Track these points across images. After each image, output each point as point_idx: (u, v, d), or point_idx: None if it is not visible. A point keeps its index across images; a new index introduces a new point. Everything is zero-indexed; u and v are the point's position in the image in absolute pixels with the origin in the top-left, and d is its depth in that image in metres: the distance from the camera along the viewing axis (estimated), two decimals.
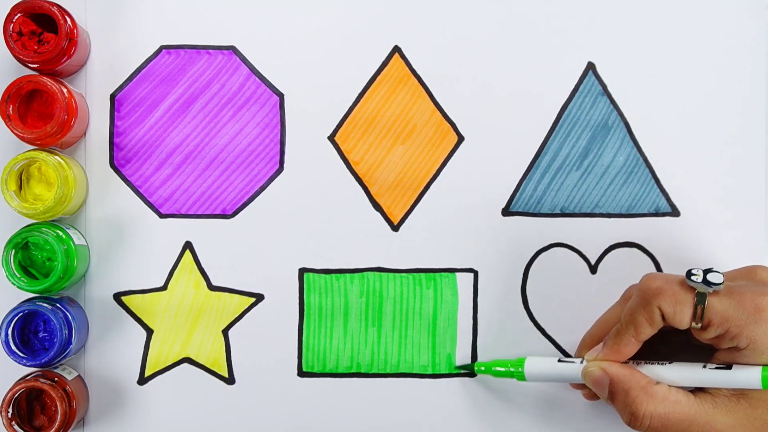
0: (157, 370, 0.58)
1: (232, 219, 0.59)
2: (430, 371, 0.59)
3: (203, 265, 0.59)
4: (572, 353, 0.59)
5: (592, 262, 0.59)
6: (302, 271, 0.59)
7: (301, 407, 0.58)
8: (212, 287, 0.59)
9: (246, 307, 0.59)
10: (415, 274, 0.59)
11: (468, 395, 0.59)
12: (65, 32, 0.54)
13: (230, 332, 0.59)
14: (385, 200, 0.59)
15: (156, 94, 0.59)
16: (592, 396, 0.56)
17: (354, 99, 0.59)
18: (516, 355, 0.58)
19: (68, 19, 0.55)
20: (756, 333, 0.49)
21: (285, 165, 0.59)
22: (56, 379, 0.55)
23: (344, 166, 0.59)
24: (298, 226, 0.59)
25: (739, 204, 0.59)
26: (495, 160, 0.59)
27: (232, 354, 0.59)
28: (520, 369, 0.55)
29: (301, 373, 0.59)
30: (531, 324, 0.59)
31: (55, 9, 0.55)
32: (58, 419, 0.54)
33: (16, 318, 0.55)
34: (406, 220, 0.59)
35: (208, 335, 0.59)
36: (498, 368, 0.56)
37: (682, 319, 0.50)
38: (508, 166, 0.59)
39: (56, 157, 0.55)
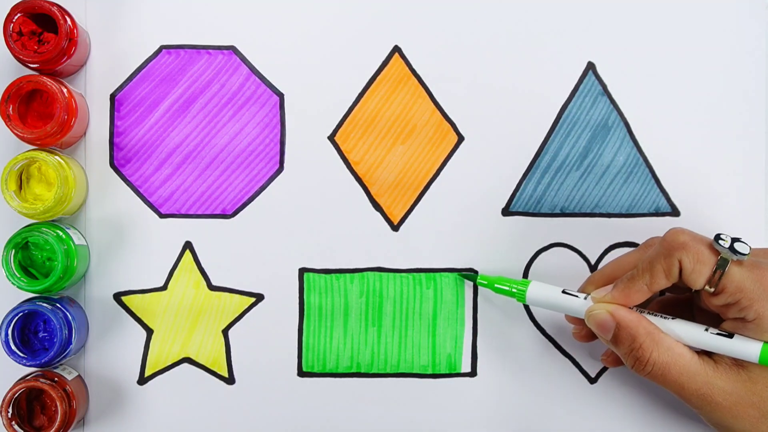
0: (157, 370, 0.58)
1: (232, 219, 0.59)
2: (430, 371, 0.59)
3: (203, 265, 0.59)
4: (573, 354, 0.59)
5: (592, 262, 0.59)
6: (302, 271, 0.59)
7: (301, 407, 0.58)
8: (212, 287, 0.59)
9: (246, 307, 0.59)
10: (415, 274, 0.59)
11: (468, 395, 0.59)
12: (65, 32, 0.55)
13: (230, 332, 0.59)
14: (385, 200, 0.59)
15: (156, 94, 0.59)
16: (584, 337, 0.56)
17: (354, 99, 0.59)
18: (518, 356, 0.58)
19: (68, 19, 0.55)
20: (766, 309, 0.48)
21: (285, 165, 0.59)
22: (56, 379, 0.55)
23: (344, 166, 0.59)
24: (298, 226, 0.59)
25: (739, 204, 0.59)
26: (495, 160, 0.59)
27: (232, 354, 0.59)
28: (522, 291, 0.55)
29: (301, 373, 0.59)
30: (531, 324, 0.59)
31: (55, 9, 0.55)
32: (58, 419, 0.54)
33: (16, 318, 0.55)
34: (406, 220, 0.59)
35: (208, 335, 0.59)
36: (500, 285, 0.56)
37: (698, 278, 0.49)
38: (508, 166, 0.59)
39: (56, 157, 0.55)
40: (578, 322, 0.56)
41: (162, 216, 0.59)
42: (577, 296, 0.53)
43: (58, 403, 0.54)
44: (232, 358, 0.59)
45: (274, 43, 0.59)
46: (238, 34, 0.59)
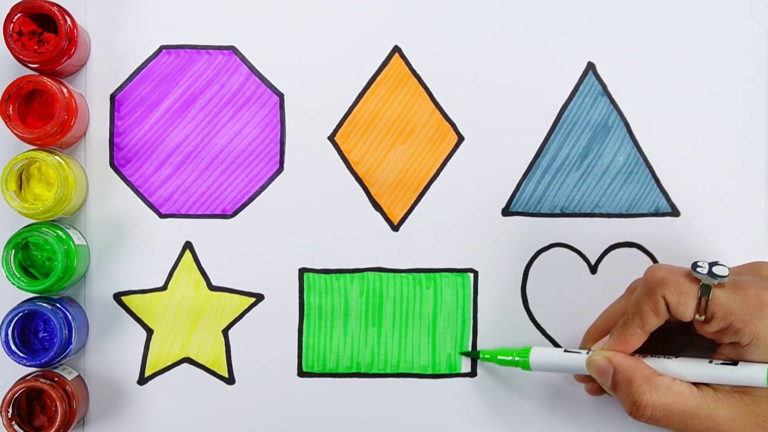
0: (157, 370, 0.58)
1: (232, 219, 0.59)
2: (430, 371, 0.59)
3: (203, 265, 0.59)
4: None
5: (592, 262, 0.59)
6: (302, 271, 0.59)
7: (301, 407, 0.58)
8: (212, 287, 0.59)
9: (246, 307, 0.59)
10: (415, 274, 0.59)
11: (468, 395, 0.59)
12: (65, 32, 0.54)
13: (230, 332, 0.59)
14: (385, 200, 0.59)
15: (156, 94, 0.59)
16: (597, 390, 0.56)
17: (354, 99, 0.59)
18: None
19: (68, 19, 0.55)
20: (759, 329, 0.49)
21: (285, 165, 0.59)
22: (56, 379, 0.55)
23: (344, 166, 0.59)
24: (298, 226, 0.59)
25: (739, 204, 0.59)
26: (495, 160, 0.59)
27: (232, 354, 0.59)
28: (525, 358, 0.55)
29: (301, 373, 0.59)
30: (531, 324, 0.59)
31: (55, 9, 0.55)
32: (58, 419, 0.54)
33: (16, 318, 0.55)
34: (406, 220, 0.59)
35: (208, 335, 0.59)
36: (503, 357, 0.56)
37: (686, 310, 0.50)
38: (508, 166, 0.59)
39: (56, 157, 0.55)
40: (586, 379, 0.56)
41: (162, 216, 0.59)
42: (579, 353, 0.54)
43: (58, 403, 0.54)
44: (232, 358, 0.59)
45: (274, 43, 0.59)
46: (238, 34, 0.59)
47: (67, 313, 0.55)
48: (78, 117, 0.56)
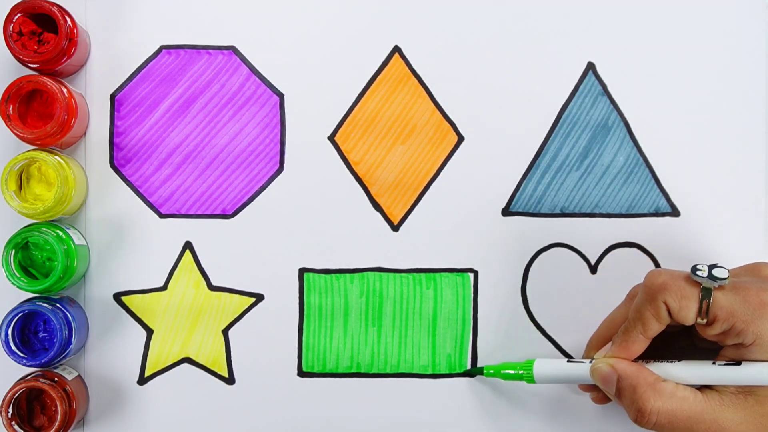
0: (157, 370, 0.58)
1: (232, 219, 0.59)
2: (430, 371, 0.59)
3: (203, 265, 0.59)
4: (573, 353, 0.59)
5: (592, 262, 0.59)
6: (302, 271, 0.59)
7: (301, 407, 0.58)
8: (212, 287, 0.59)
9: (246, 307, 0.59)
10: (415, 274, 0.59)
11: (468, 395, 0.59)
12: (65, 32, 0.54)
13: (230, 332, 0.59)
14: (385, 200, 0.59)
15: (156, 94, 0.59)
16: (601, 399, 0.56)
17: (354, 99, 0.59)
18: (518, 356, 0.58)
19: (68, 19, 0.55)
20: (762, 328, 0.48)
21: (285, 165, 0.59)
22: (56, 379, 0.55)
23: (344, 166, 0.59)
24: (298, 226, 0.59)
25: (739, 204, 0.59)
26: (495, 160, 0.59)
27: (232, 354, 0.59)
28: (529, 372, 0.55)
29: (301, 373, 0.59)
30: (531, 324, 0.59)
31: (55, 9, 0.55)
32: (58, 419, 0.54)
33: (16, 318, 0.55)
34: (406, 220, 0.59)
35: (208, 335, 0.59)
36: (507, 371, 0.56)
37: (688, 314, 0.50)
38: (508, 166, 0.59)
39: (56, 157, 0.55)
40: (591, 388, 0.56)
41: (162, 216, 0.59)
42: (582, 362, 0.54)
43: (58, 403, 0.54)
44: (232, 358, 0.59)
45: (274, 43, 0.59)
46: (238, 34, 0.59)
47: (67, 313, 0.55)
48: (78, 117, 0.56)
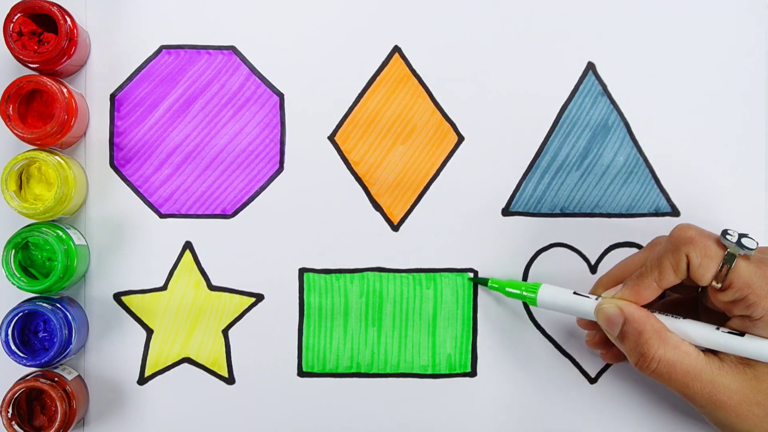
0: (157, 370, 0.58)
1: (232, 219, 0.59)
2: (430, 371, 0.59)
3: (203, 265, 0.59)
4: (573, 353, 0.59)
5: (592, 262, 0.59)
6: (302, 271, 0.59)
7: (301, 407, 0.58)
8: (212, 287, 0.59)
9: (246, 307, 0.59)
10: (415, 274, 0.59)
11: (468, 395, 0.59)
12: (65, 32, 0.54)
13: (230, 332, 0.59)
14: (385, 200, 0.59)
15: (156, 94, 0.59)
16: (596, 343, 0.56)
17: (354, 99, 0.59)
18: (518, 356, 0.58)
19: (68, 19, 0.55)
20: None
21: (285, 165, 0.59)
22: (56, 379, 0.55)
23: (344, 166, 0.59)
24: (298, 226, 0.59)
25: (739, 204, 0.59)
26: (495, 160, 0.59)
27: (232, 354, 0.59)
28: (533, 293, 0.55)
29: (301, 373, 0.59)
30: (531, 324, 0.59)
31: (55, 9, 0.55)
32: (58, 419, 0.54)
33: (16, 318, 0.55)
34: (406, 220, 0.59)
35: (208, 335, 0.59)
36: (511, 289, 0.56)
37: (706, 273, 0.49)
38: (508, 166, 0.59)
39: (56, 157, 0.55)
40: (591, 326, 0.56)
41: (162, 216, 0.59)
42: (588, 297, 0.53)
43: (58, 403, 0.54)
44: (232, 358, 0.59)
45: (274, 43, 0.59)
46: (238, 34, 0.59)
47: (67, 313, 0.55)
48: (78, 117, 0.56)
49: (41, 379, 0.54)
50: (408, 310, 0.59)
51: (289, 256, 0.59)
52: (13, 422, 0.54)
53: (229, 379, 0.59)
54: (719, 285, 0.49)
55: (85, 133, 0.59)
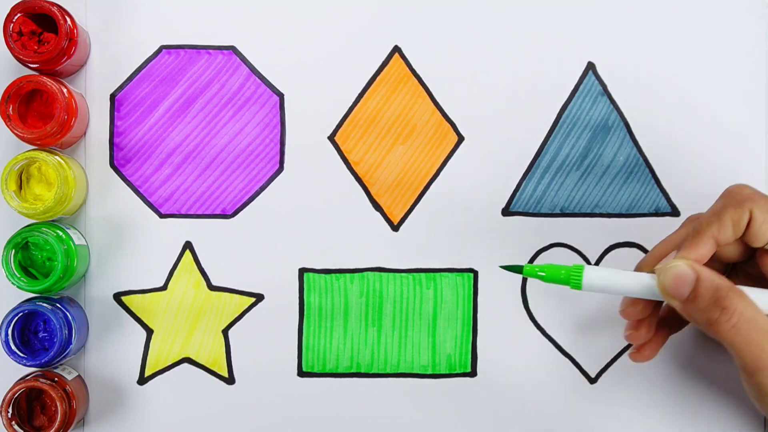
0: (157, 370, 0.58)
1: (232, 219, 0.59)
2: (430, 371, 0.59)
3: (203, 265, 0.59)
4: (573, 353, 0.59)
5: (592, 262, 0.59)
6: (302, 271, 0.59)
7: (301, 407, 0.58)
8: (212, 287, 0.59)
9: (246, 307, 0.59)
10: (415, 274, 0.59)
11: (468, 395, 0.59)
12: (65, 32, 0.54)
13: (230, 332, 0.59)
14: (385, 200, 0.59)
15: (156, 94, 0.59)
16: (641, 347, 0.52)
17: (354, 99, 0.59)
18: (518, 356, 0.58)
19: (68, 19, 0.55)
20: None
21: (285, 165, 0.59)
22: (56, 379, 0.55)
23: (344, 166, 0.59)
24: (298, 226, 0.59)
25: None
26: (495, 160, 0.59)
27: (232, 354, 0.59)
28: (578, 277, 0.50)
29: (301, 373, 0.59)
30: (531, 324, 0.59)
31: (55, 9, 0.55)
32: (58, 419, 0.54)
33: (16, 318, 0.55)
34: (406, 220, 0.59)
35: (208, 335, 0.59)
36: (553, 273, 0.51)
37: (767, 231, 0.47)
38: (508, 166, 0.59)
39: (56, 157, 0.55)
40: (635, 314, 0.52)
41: (162, 216, 0.59)
42: (637, 274, 0.50)
43: (58, 403, 0.54)
44: (232, 358, 0.59)
45: (274, 43, 0.59)
46: (238, 34, 0.59)
47: (67, 313, 0.55)
48: (78, 117, 0.56)
49: (41, 379, 0.54)
50: (408, 310, 0.59)
51: (289, 256, 0.59)
52: (13, 422, 0.54)
53: (229, 379, 0.59)
54: None
55: (85, 133, 0.59)
